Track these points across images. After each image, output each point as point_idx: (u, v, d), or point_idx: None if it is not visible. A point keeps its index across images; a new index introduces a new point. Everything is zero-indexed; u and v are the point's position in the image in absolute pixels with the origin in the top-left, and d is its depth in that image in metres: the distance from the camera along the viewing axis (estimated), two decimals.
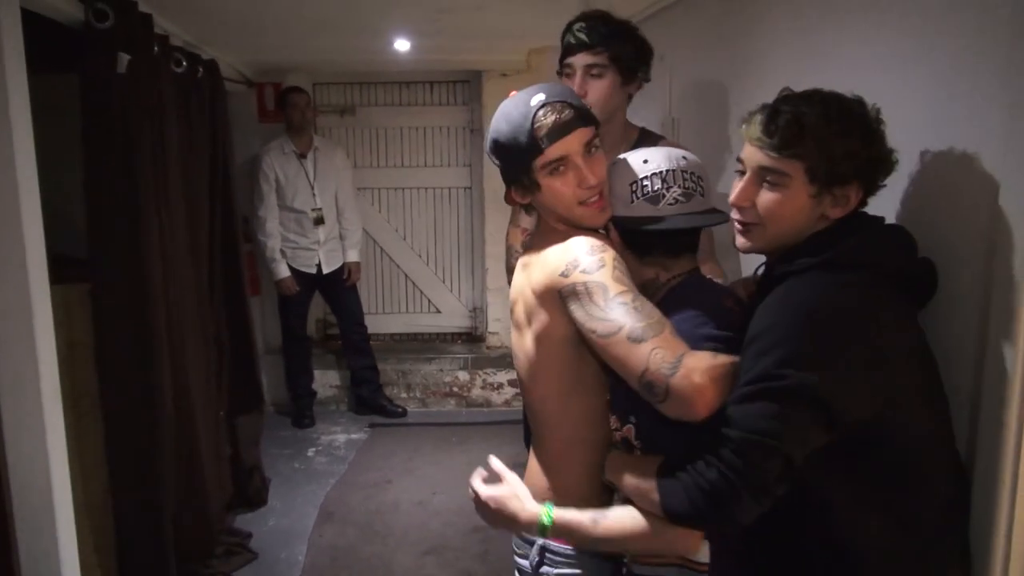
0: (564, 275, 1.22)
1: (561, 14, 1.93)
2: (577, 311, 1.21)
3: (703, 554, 1.20)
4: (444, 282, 5.12)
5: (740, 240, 1.25)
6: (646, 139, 1.93)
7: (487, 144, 1.38)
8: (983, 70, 1.12)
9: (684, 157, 1.33)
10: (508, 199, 1.42)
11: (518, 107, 1.30)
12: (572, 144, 1.27)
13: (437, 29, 3.13)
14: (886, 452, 1.10)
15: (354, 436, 4.33)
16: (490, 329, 4.96)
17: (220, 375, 3.26)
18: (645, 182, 1.30)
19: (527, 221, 2.26)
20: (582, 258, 1.22)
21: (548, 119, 1.26)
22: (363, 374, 4.55)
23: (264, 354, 4.77)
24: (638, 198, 1.29)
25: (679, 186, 1.29)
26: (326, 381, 4.74)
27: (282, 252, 4.20)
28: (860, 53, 1.47)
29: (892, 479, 1.09)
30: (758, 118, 1.16)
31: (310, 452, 4.11)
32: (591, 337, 1.19)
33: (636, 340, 1.12)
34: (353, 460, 3.99)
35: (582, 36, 1.81)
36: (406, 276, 5.11)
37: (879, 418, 1.07)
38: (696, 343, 1.15)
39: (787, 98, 1.18)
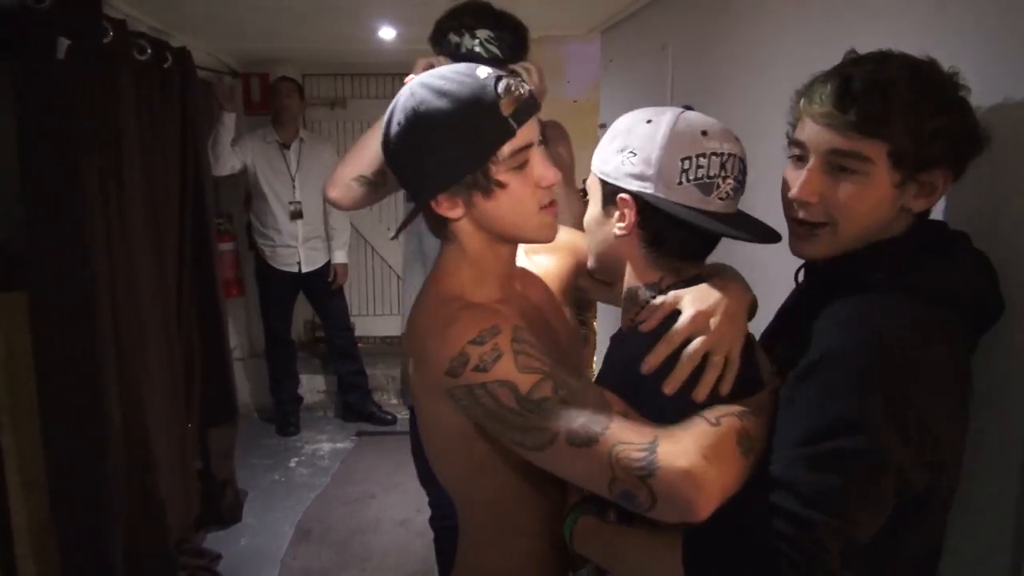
0: (451, 374, 0.92)
1: (549, 3, 1.73)
2: (486, 422, 0.93)
3: None
4: None
5: (804, 247, 0.99)
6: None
7: (392, 136, 1.01)
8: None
9: (737, 138, 1.04)
10: (408, 224, 1.12)
11: (460, 80, 0.96)
12: (534, 130, 0.99)
13: (421, 16, 2.91)
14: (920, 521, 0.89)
15: (340, 445, 4.13)
16: None
17: (190, 384, 3.06)
18: (702, 161, 0.98)
19: None
20: (470, 349, 0.91)
21: (511, 93, 0.95)
22: (350, 379, 4.34)
23: (249, 357, 4.59)
24: (689, 180, 0.98)
25: (734, 178, 1.00)
26: (313, 386, 4.54)
27: (260, 250, 4.02)
28: (879, 38, 1.25)
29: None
30: (826, 88, 0.92)
31: (292, 462, 3.91)
32: (518, 450, 0.92)
33: (582, 443, 0.84)
34: (336, 472, 3.79)
35: (494, 50, 1.70)
36: (398, 277, 4.90)
37: (929, 486, 0.86)
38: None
39: (858, 61, 0.94)
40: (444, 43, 1.76)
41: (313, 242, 4.07)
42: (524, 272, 1.20)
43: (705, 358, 0.92)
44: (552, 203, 1.03)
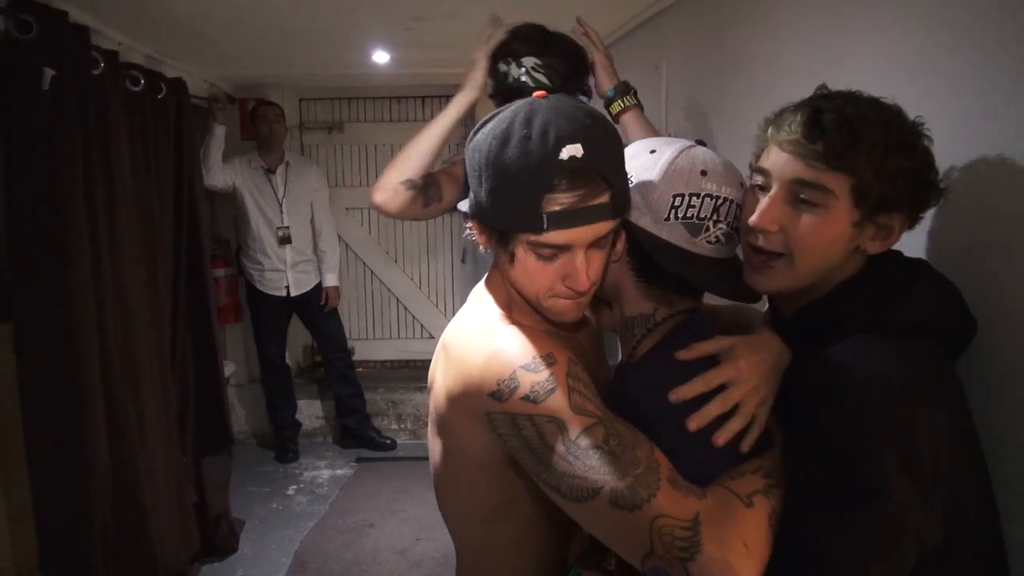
0: (496, 397, 0.86)
1: (546, 24, 1.71)
2: (523, 456, 0.86)
3: None
4: (437, 306, 4.88)
5: (759, 279, 0.96)
6: None
7: (471, 155, 0.93)
8: None
9: (743, 184, 1.00)
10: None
11: (539, 142, 0.85)
12: (583, 235, 0.88)
13: (413, 39, 2.91)
14: None
15: (339, 472, 4.07)
16: None
17: (184, 414, 3.02)
18: (694, 201, 0.95)
19: None
20: (522, 375, 0.84)
21: (567, 195, 0.85)
22: (348, 402, 4.29)
23: (247, 383, 4.56)
24: (678, 218, 0.95)
25: (727, 223, 0.98)
26: (312, 412, 4.50)
27: (249, 274, 4.00)
28: (875, 56, 1.22)
29: None
30: (796, 118, 0.91)
31: (290, 490, 3.86)
32: (548, 493, 0.86)
33: (626, 507, 0.78)
34: (335, 500, 3.73)
35: (541, 78, 1.63)
36: (397, 300, 4.87)
37: (947, 537, 0.82)
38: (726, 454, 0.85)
39: (829, 96, 0.94)
40: (495, 71, 1.71)
41: (302, 265, 4.04)
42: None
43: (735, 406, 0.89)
44: (576, 298, 0.94)
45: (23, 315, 2.02)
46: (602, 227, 0.89)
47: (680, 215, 0.96)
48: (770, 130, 0.95)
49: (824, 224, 0.90)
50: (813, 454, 0.83)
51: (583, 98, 1.71)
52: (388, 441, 4.33)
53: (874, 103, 0.91)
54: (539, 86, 1.63)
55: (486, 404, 0.87)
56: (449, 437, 1.00)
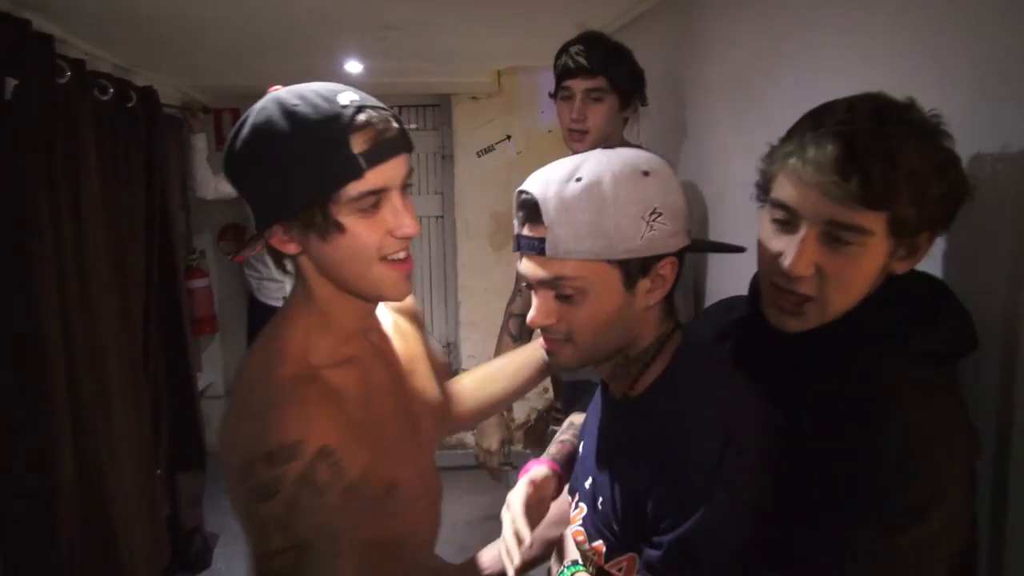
0: (241, 479, 0.85)
1: (521, 33, 1.76)
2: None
3: None
4: (433, 311, 4.85)
5: (791, 321, 0.89)
6: None
7: (232, 150, 0.90)
8: None
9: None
10: (249, 249, 0.97)
11: (315, 103, 0.86)
12: (395, 173, 0.89)
13: (387, 49, 2.90)
14: None
15: None
16: (464, 366, 4.68)
17: (158, 429, 2.98)
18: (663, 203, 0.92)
19: (518, 304, 2.07)
20: (257, 465, 0.83)
21: (368, 128, 0.86)
22: None
23: (224, 395, 4.50)
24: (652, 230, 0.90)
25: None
26: None
27: (247, 282, 3.99)
28: (869, 54, 1.19)
29: None
30: (824, 151, 0.80)
31: None
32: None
33: None
34: None
35: (581, 60, 1.75)
36: None
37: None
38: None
39: (851, 112, 0.83)
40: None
41: None
42: (385, 322, 1.12)
43: None
44: (405, 260, 0.93)
45: None
46: (405, 161, 0.91)
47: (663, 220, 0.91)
48: (791, 161, 0.84)
49: (861, 263, 0.83)
50: (846, 479, 0.80)
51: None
52: None
53: (902, 114, 0.82)
54: (578, 66, 1.75)
55: (237, 479, 0.87)
56: None
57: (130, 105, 2.81)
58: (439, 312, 4.81)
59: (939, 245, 0.92)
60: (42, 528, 2.07)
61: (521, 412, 4.30)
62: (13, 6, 2.01)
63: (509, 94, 4.18)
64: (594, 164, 0.90)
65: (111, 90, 2.66)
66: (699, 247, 1.02)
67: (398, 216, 0.90)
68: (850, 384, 0.84)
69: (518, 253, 0.95)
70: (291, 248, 0.91)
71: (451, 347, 4.78)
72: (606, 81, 1.75)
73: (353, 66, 3.29)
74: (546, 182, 0.90)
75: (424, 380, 1.14)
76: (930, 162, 0.80)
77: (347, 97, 0.87)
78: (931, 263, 0.94)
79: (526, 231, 0.92)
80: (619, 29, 2.50)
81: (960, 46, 0.97)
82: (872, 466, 0.79)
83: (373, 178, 0.87)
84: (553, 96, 1.87)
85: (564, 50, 1.81)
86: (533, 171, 0.95)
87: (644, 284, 0.92)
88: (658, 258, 0.91)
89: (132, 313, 2.77)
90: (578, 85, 1.77)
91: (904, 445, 0.78)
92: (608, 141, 1.77)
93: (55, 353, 2.09)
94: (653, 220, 0.88)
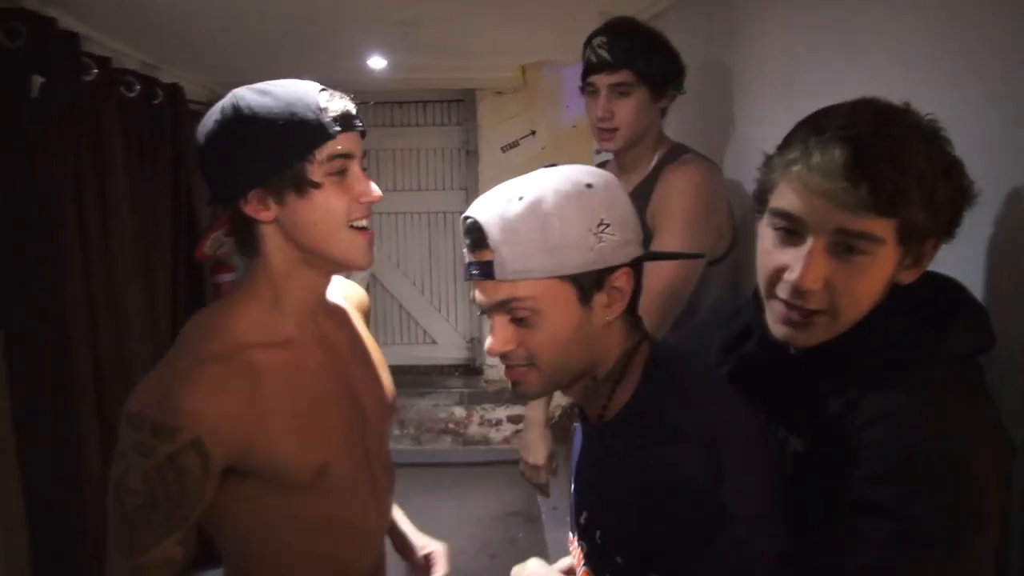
0: (129, 428, 0.96)
1: (545, 27, 1.70)
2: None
3: None
4: (440, 311, 4.85)
5: (799, 335, 0.86)
6: (672, 156, 1.69)
7: (205, 133, 0.99)
8: None
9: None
10: (214, 236, 1.07)
11: (284, 85, 0.98)
12: (357, 144, 1.01)
13: (410, 44, 2.88)
14: None
15: None
16: (488, 362, 4.67)
17: None
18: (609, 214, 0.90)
19: None
20: (132, 434, 0.94)
21: (334, 102, 0.99)
22: None
23: None
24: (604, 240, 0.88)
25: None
26: None
27: None
28: (883, 58, 1.17)
29: None
30: (832, 156, 0.77)
31: None
32: None
33: None
34: None
35: (603, 53, 1.64)
36: (400, 305, 4.85)
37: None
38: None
39: (854, 116, 0.80)
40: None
41: None
42: (335, 309, 1.17)
43: None
44: (367, 229, 1.03)
45: (14, 325, 2.01)
46: (359, 138, 1.02)
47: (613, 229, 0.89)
48: (795, 168, 0.81)
49: (871, 273, 0.81)
50: (885, 502, 0.76)
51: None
52: None
53: (903, 117, 0.81)
54: (600, 60, 1.65)
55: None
56: None
57: (156, 102, 2.83)
58: (462, 307, 4.81)
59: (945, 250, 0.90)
60: (70, 522, 2.10)
61: None
62: (39, 4, 2.03)
63: (533, 89, 4.16)
64: (536, 182, 0.90)
65: (137, 87, 2.68)
66: (652, 256, 0.99)
67: (362, 183, 1.00)
68: (870, 399, 0.81)
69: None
70: (266, 215, 0.98)
71: (474, 342, 4.78)
72: (632, 74, 1.62)
73: (377, 61, 3.28)
74: (488, 205, 0.90)
75: (372, 368, 1.18)
76: (937, 165, 0.78)
77: (311, 84, 1.00)
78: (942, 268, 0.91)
79: (473, 257, 0.91)
80: (653, 16, 2.46)
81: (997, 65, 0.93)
82: (909, 482, 0.76)
83: (343, 142, 0.98)
84: (582, 92, 1.75)
85: (588, 42, 1.70)
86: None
87: (601, 299, 0.90)
88: (611, 270, 0.89)
89: (158, 308, 2.80)
90: (602, 80, 1.65)
91: (937, 458, 0.75)
92: (642, 138, 1.69)
93: (82, 348, 2.12)
94: (601, 232, 0.87)
